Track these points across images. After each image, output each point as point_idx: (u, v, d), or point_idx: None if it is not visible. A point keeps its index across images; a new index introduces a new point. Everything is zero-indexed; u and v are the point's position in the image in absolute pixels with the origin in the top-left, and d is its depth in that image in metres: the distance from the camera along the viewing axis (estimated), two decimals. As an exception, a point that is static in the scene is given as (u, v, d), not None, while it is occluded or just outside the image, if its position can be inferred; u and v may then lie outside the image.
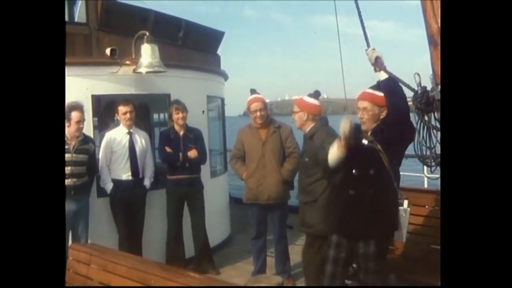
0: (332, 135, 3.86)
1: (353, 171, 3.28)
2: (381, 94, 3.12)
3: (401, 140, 3.10)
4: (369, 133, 3.26)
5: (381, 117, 3.18)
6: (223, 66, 7.33)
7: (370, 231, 3.20)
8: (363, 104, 3.22)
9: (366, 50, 3.11)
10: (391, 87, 3.03)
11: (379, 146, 3.12)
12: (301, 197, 4.14)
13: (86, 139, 4.69)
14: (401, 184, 3.51)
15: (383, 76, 3.05)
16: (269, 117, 4.81)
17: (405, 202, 3.16)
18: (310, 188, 4.04)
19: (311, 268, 4.10)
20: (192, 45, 6.44)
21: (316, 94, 4.22)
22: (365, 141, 3.22)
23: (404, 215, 3.18)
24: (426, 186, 5.84)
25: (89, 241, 4.56)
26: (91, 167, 4.81)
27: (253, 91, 4.83)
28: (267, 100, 5.10)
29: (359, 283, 3.38)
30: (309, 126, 4.09)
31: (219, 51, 7.34)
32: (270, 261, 5.06)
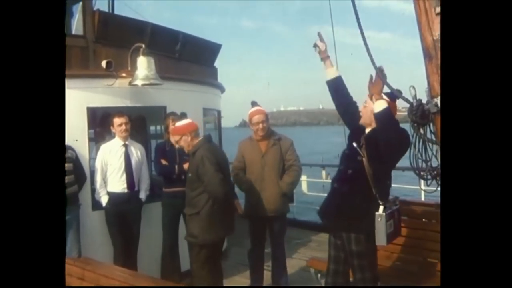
0: (214, 152, 4.20)
1: (340, 165, 3.56)
2: (385, 98, 3.17)
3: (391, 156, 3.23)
4: (364, 134, 3.35)
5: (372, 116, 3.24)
6: (220, 77, 7.35)
7: (347, 225, 3.35)
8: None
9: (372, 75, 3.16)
10: (387, 121, 3.09)
11: (363, 151, 3.25)
12: (187, 210, 4.31)
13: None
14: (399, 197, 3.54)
15: (379, 106, 3.08)
16: (269, 129, 4.80)
17: (381, 208, 3.22)
18: (194, 201, 4.19)
19: (197, 278, 4.27)
20: (189, 58, 6.45)
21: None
22: (355, 144, 3.33)
23: (380, 219, 3.22)
24: (423, 199, 5.82)
25: (82, 255, 4.51)
26: (78, 175, 4.77)
27: (254, 104, 4.82)
28: (263, 111, 5.10)
29: (354, 282, 3.46)
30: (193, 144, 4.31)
31: (216, 63, 7.37)
32: (267, 274, 5.01)
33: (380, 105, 3.08)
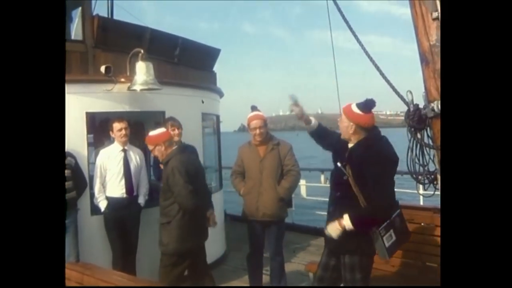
0: (185, 163, 4.19)
1: (330, 189, 3.54)
2: (357, 111, 3.23)
3: None
4: (348, 151, 3.31)
5: (351, 132, 3.26)
6: (219, 82, 7.37)
7: (343, 247, 3.29)
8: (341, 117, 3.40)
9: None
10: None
11: (349, 171, 3.21)
12: (159, 219, 4.34)
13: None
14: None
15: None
16: (268, 134, 4.81)
17: None
18: (166, 211, 4.26)
19: (163, 284, 4.25)
20: (188, 63, 6.47)
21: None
22: (338, 164, 3.31)
23: (375, 235, 3.17)
24: (421, 203, 5.82)
25: (81, 260, 4.51)
26: (78, 182, 4.78)
27: (253, 108, 4.83)
28: (262, 116, 5.10)
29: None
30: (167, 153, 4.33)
31: (215, 68, 7.38)
32: (266, 279, 5.01)
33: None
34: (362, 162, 3.13)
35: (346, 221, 3.14)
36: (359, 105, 3.24)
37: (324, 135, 3.83)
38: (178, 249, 4.19)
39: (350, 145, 3.34)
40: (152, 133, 4.40)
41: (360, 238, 3.19)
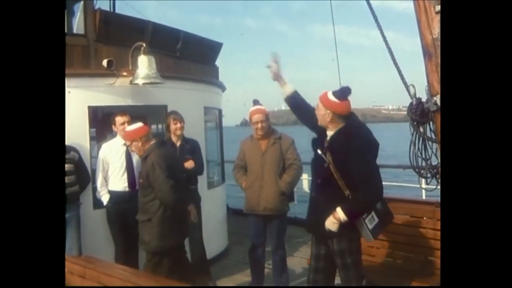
0: (165, 157, 4.15)
1: (312, 176, 3.64)
2: (333, 98, 3.27)
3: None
4: (327, 138, 3.37)
5: (328, 119, 3.31)
6: (221, 76, 7.35)
7: (328, 233, 3.33)
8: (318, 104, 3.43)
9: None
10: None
11: (329, 158, 3.26)
12: (139, 216, 4.28)
13: (67, 149, 4.62)
14: (399, 196, 3.55)
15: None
16: (270, 128, 4.80)
17: None
18: (146, 207, 4.17)
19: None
20: (190, 57, 6.45)
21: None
22: (319, 151, 3.36)
23: (357, 220, 3.28)
24: (424, 197, 5.81)
25: (84, 253, 4.52)
26: (81, 176, 4.79)
27: (255, 102, 4.82)
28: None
29: (342, 281, 3.49)
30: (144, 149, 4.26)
31: (217, 62, 7.36)
32: (268, 273, 5.02)
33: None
34: (346, 150, 3.18)
35: (340, 213, 3.19)
36: (335, 93, 3.29)
37: (300, 103, 3.72)
38: (160, 246, 4.12)
39: (329, 132, 3.37)
40: (129, 128, 4.35)
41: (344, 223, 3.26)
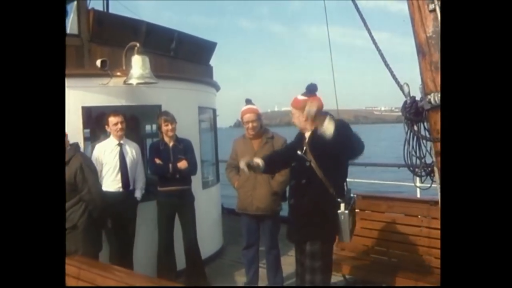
0: (90, 160, 4.18)
1: (291, 181, 3.66)
2: (302, 97, 3.42)
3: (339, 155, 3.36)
4: (306, 140, 3.44)
5: (303, 119, 3.41)
6: (216, 77, 7.35)
7: (307, 237, 3.40)
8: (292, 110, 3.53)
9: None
10: (343, 131, 3.27)
11: (310, 157, 3.33)
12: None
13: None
14: (394, 194, 3.57)
15: (328, 128, 3.23)
16: (262, 128, 4.80)
17: (342, 206, 3.33)
18: (68, 213, 3.99)
19: None
20: (184, 56, 6.44)
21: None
22: (299, 152, 3.42)
23: (343, 217, 3.33)
24: (418, 196, 5.84)
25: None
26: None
27: (247, 102, 4.82)
28: (258, 111, 5.09)
29: (302, 282, 3.52)
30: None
31: (211, 62, 7.36)
32: (263, 272, 5.02)
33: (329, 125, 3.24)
34: (324, 144, 3.23)
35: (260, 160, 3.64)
36: (303, 93, 3.44)
37: (274, 160, 3.86)
38: (90, 255, 3.89)
39: (307, 134, 3.44)
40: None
41: (321, 226, 3.32)
